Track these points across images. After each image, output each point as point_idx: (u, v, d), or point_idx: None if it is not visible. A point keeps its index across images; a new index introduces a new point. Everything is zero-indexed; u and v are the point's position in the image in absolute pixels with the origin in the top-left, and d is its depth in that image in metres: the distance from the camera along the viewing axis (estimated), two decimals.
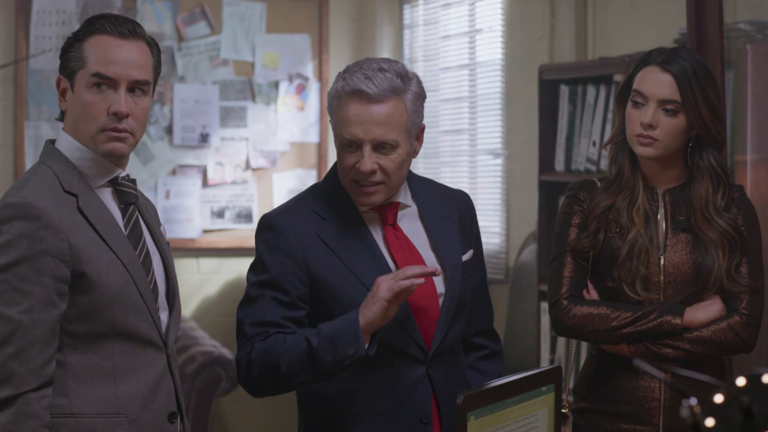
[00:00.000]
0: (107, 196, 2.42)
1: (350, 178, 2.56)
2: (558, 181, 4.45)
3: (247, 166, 6.25)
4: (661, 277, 2.81)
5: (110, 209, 2.40)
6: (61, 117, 2.45)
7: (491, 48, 5.57)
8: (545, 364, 4.49)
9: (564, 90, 4.47)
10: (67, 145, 2.40)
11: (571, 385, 3.04)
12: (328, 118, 2.63)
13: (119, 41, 2.37)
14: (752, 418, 1.56)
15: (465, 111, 5.79)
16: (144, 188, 5.63)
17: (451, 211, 2.71)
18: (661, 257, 2.82)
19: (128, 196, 2.44)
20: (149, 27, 5.81)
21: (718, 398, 1.59)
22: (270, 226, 2.60)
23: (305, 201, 2.65)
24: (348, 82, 2.53)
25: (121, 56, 2.36)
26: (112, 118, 2.35)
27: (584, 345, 3.95)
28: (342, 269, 2.56)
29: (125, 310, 2.34)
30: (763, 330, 2.88)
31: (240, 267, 6.07)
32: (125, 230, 2.41)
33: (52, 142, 2.44)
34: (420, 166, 5.99)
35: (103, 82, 2.35)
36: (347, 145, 2.54)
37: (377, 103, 2.51)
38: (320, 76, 6.30)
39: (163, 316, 2.44)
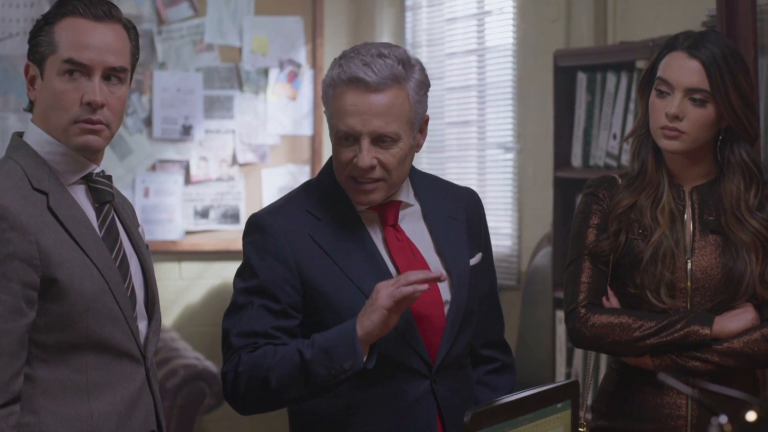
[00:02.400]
0: (80, 195, 2.42)
1: (347, 175, 2.56)
2: (575, 178, 4.45)
3: (234, 161, 6.25)
4: (688, 283, 2.81)
5: (83, 208, 2.40)
6: (30, 107, 2.45)
7: (502, 31, 5.57)
8: (561, 379, 4.49)
9: (581, 78, 4.47)
10: (37, 138, 2.40)
11: (589, 401, 3.04)
12: (323, 109, 2.63)
13: (93, 24, 2.37)
14: None
15: (473, 101, 5.80)
16: (120, 185, 5.64)
17: (457, 211, 2.71)
18: (688, 261, 2.82)
19: (103, 194, 2.44)
20: (126, 9, 5.81)
21: (751, 416, 1.59)
22: (259, 227, 2.61)
23: (297, 199, 2.65)
24: (344, 69, 2.53)
25: (96, 41, 2.36)
26: (85, 109, 2.35)
27: (604, 358, 3.95)
28: (338, 274, 2.56)
29: (100, 319, 2.34)
30: None
31: (226, 272, 6.07)
32: (100, 232, 2.41)
33: (20, 135, 2.44)
34: (423, 162, 6.00)
35: (76, 69, 2.35)
36: (344, 138, 2.54)
37: (376, 92, 2.51)
38: (314, 63, 6.31)
39: (142, 325, 2.44)
